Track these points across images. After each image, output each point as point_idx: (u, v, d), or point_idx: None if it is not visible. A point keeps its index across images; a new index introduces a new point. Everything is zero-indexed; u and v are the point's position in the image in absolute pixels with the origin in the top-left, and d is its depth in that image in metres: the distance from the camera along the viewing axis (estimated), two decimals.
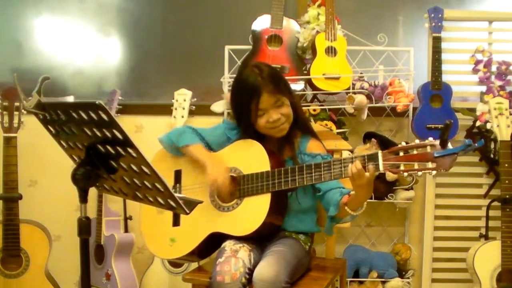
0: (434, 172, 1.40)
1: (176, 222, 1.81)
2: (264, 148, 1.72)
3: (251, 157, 1.73)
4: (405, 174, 1.44)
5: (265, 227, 1.65)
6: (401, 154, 1.44)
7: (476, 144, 1.40)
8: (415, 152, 1.42)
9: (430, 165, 1.40)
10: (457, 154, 1.37)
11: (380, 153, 1.47)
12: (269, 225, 1.68)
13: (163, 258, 1.89)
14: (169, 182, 1.85)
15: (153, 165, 1.17)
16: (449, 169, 1.38)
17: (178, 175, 1.86)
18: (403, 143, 1.46)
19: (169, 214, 1.81)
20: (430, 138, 1.43)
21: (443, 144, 1.39)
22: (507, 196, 2.27)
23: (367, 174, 1.46)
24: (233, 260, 1.60)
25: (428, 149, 1.41)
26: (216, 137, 1.87)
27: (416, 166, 1.42)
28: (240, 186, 1.72)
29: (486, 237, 2.39)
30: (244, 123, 1.76)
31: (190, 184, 1.83)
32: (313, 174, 1.60)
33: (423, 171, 1.41)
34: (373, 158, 1.47)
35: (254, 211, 1.66)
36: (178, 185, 1.84)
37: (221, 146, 1.84)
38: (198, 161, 1.78)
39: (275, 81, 1.70)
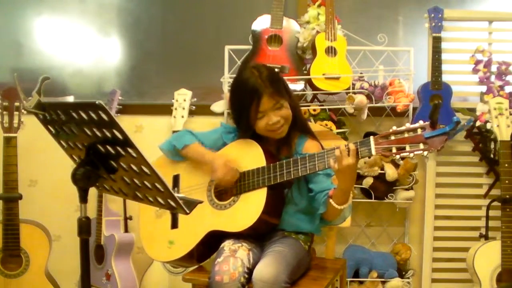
0: (426, 153, 1.42)
1: (174, 224, 1.81)
2: (260, 147, 1.73)
3: (247, 156, 1.74)
4: (398, 156, 1.47)
5: (261, 224, 1.65)
6: (393, 138, 1.47)
7: (465, 123, 1.42)
8: (406, 135, 1.45)
9: (421, 146, 1.42)
10: (447, 133, 1.39)
11: (371, 138, 1.50)
12: (265, 222, 1.68)
13: (162, 261, 1.89)
14: None
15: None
16: (441, 149, 1.42)
17: (176, 179, 1.87)
18: (394, 128, 1.48)
19: (167, 218, 1.82)
20: (421, 121, 1.45)
21: (433, 125, 1.41)
22: (507, 196, 2.27)
23: (349, 159, 1.49)
24: (232, 259, 1.60)
25: (419, 131, 1.43)
26: (213, 141, 1.88)
27: (408, 148, 1.44)
28: (237, 184, 1.72)
29: (486, 237, 2.39)
30: (243, 125, 1.76)
31: (188, 186, 1.84)
32: (308, 165, 1.61)
33: (415, 152, 1.43)
34: (365, 143, 1.50)
35: (250, 206, 1.67)
36: (176, 189, 1.86)
37: (218, 150, 1.85)
38: (199, 158, 1.80)
39: (275, 83, 1.70)
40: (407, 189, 2.47)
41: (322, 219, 1.71)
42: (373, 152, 1.49)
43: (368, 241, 2.69)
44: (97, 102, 1.11)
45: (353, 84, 2.43)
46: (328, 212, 1.65)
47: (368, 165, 2.40)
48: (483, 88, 2.58)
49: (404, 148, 1.44)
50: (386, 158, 2.40)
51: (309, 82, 2.45)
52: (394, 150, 1.46)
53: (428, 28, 2.54)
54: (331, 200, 1.60)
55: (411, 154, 1.43)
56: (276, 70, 2.33)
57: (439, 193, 2.61)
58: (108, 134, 1.16)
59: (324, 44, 2.43)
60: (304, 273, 1.77)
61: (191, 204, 1.25)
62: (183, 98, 2.57)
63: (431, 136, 1.41)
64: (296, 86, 2.44)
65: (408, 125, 1.46)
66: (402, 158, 2.35)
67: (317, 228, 1.80)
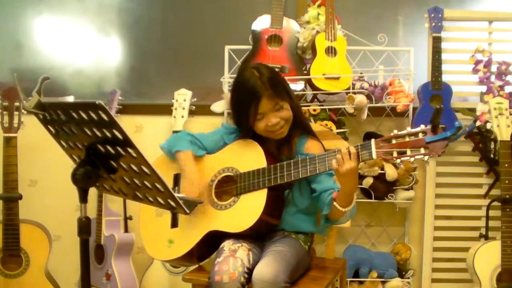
0: (427, 158, 1.42)
1: (174, 223, 1.81)
2: (261, 147, 1.73)
3: (248, 156, 1.74)
4: (398, 160, 1.46)
5: (261, 225, 1.65)
6: (394, 142, 1.46)
7: (467, 128, 1.41)
8: (407, 139, 1.45)
9: (422, 150, 1.42)
10: (448, 138, 1.39)
11: (372, 141, 1.49)
12: (265, 223, 1.68)
13: (162, 260, 1.89)
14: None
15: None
16: (441, 154, 1.41)
17: (177, 178, 1.87)
18: (395, 131, 1.47)
19: (167, 217, 1.82)
20: (422, 125, 1.44)
21: (434, 130, 1.41)
22: (507, 196, 2.27)
23: (351, 163, 1.48)
24: (232, 259, 1.60)
25: (420, 135, 1.43)
26: (214, 143, 1.88)
27: (408, 152, 1.44)
28: (237, 184, 1.72)
29: (486, 237, 2.39)
30: (243, 125, 1.77)
31: None
32: (308, 167, 1.61)
33: (415, 157, 1.42)
34: (366, 147, 1.50)
35: (250, 207, 1.67)
36: (176, 187, 1.85)
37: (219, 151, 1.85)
38: (182, 168, 1.80)
39: (275, 85, 1.69)
40: (407, 189, 2.47)
41: (327, 219, 1.70)
42: (374, 156, 1.48)
43: (368, 241, 2.69)
44: (97, 102, 1.11)
45: (353, 84, 2.43)
46: (332, 213, 1.65)
47: (368, 165, 2.40)
48: (483, 88, 2.58)
49: (405, 152, 1.44)
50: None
51: (309, 82, 2.45)
52: (395, 154, 1.45)
53: (428, 28, 2.54)
54: (335, 203, 1.59)
55: (412, 159, 1.43)
56: (276, 70, 2.33)
57: (439, 193, 2.61)
58: (108, 134, 1.16)
59: (324, 44, 2.43)
60: (304, 273, 1.77)
61: (191, 204, 1.25)
62: (183, 98, 2.57)
63: (432, 141, 1.40)
64: (296, 86, 2.44)
65: (409, 129, 1.45)
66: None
67: (322, 228, 1.79)
